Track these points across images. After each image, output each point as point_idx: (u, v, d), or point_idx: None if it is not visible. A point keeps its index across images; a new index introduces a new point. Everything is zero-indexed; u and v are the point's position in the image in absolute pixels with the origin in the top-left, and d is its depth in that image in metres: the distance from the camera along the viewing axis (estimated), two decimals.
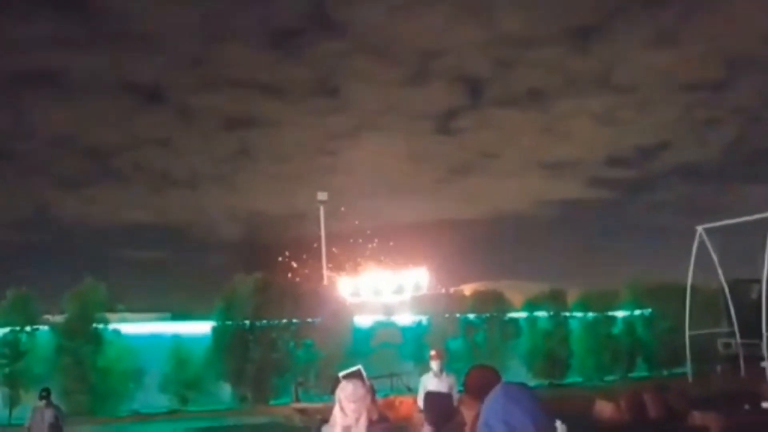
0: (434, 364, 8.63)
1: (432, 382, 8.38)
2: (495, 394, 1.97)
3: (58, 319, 16.87)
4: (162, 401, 16.97)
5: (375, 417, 3.68)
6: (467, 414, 4.14)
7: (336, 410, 3.65)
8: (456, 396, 7.04)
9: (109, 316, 17.64)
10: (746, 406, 11.88)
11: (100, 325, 16.76)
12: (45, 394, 9.71)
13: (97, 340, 16.54)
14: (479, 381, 4.05)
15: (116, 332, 16.92)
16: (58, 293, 17.74)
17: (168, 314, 26.07)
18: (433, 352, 8.99)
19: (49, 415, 9.52)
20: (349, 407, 3.58)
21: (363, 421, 3.56)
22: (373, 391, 3.75)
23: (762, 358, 16.87)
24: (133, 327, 18.10)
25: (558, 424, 8.49)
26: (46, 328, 16.52)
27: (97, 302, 16.96)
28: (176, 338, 17.67)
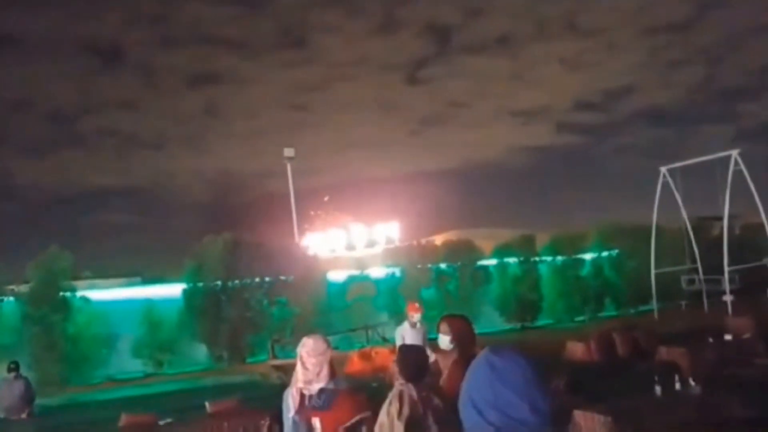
0: (413, 317, 8.66)
1: (409, 333, 8.45)
2: (479, 368, 1.64)
3: (23, 289, 16.53)
4: (137, 366, 16.88)
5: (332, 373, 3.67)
6: (443, 363, 4.16)
7: (297, 367, 3.63)
8: (427, 344, 7.16)
9: (77, 283, 17.36)
10: (710, 340, 12.25)
11: (68, 293, 16.48)
12: (14, 367, 9.55)
13: (64, 307, 16.27)
14: (453, 330, 4.07)
15: (85, 299, 16.67)
16: (23, 263, 17.35)
17: (138, 279, 25.83)
18: (413, 305, 9.01)
19: (18, 387, 9.39)
20: (310, 361, 3.56)
21: (324, 375, 3.54)
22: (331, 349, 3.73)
23: (724, 293, 17.41)
24: (103, 293, 17.87)
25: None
26: (11, 299, 16.19)
27: (62, 270, 16.63)
28: (148, 302, 17.50)
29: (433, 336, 4.69)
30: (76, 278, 17.64)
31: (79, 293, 16.74)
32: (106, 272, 28.62)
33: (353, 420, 3.32)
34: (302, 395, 3.59)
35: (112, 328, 16.60)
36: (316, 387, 3.53)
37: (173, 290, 18.26)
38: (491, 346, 1.71)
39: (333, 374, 3.59)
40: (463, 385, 1.69)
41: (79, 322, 16.34)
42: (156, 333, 17.17)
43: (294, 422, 3.60)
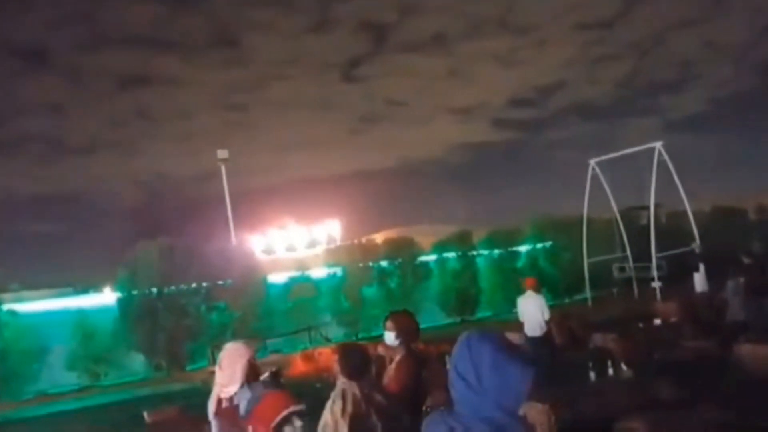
0: (530, 290, 9.90)
1: (529, 302, 9.81)
2: (467, 348, 1.92)
3: None
4: (71, 379, 16.29)
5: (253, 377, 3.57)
6: (388, 355, 4.21)
7: (216, 371, 3.59)
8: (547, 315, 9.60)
9: (3, 296, 16.64)
10: (640, 325, 12.79)
11: None
12: None
13: None
14: (398, 325, 4.14)
15: (12, 312, 15.96)
16: None
17: (70, 289, 24.91)
18: (532, 279, 10.59)
19: None
20: (224, 362, 3.53)
21: (237, 377, 3.48)
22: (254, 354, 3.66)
23: (653, 279, 18.16)
24: (32, 305, 17.15)
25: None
26: None
27: None
28: (80, 312, 16.90)
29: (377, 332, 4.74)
30: (3, 291, 16.87)
31: (5, 306, 16.02)
32: (35, 283, 27.49)
33: (280, 416, 3.25)
34: (219, 399, 3.55)
35: (43, 341, 15.96)
36: (231, 390, 3.48)
37: (107, 299, 17.64)
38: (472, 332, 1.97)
39: (255, 378, 3.51)
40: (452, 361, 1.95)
41: (6, 336, 15.63)
42: (90, 344, 16.61)
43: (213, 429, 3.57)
